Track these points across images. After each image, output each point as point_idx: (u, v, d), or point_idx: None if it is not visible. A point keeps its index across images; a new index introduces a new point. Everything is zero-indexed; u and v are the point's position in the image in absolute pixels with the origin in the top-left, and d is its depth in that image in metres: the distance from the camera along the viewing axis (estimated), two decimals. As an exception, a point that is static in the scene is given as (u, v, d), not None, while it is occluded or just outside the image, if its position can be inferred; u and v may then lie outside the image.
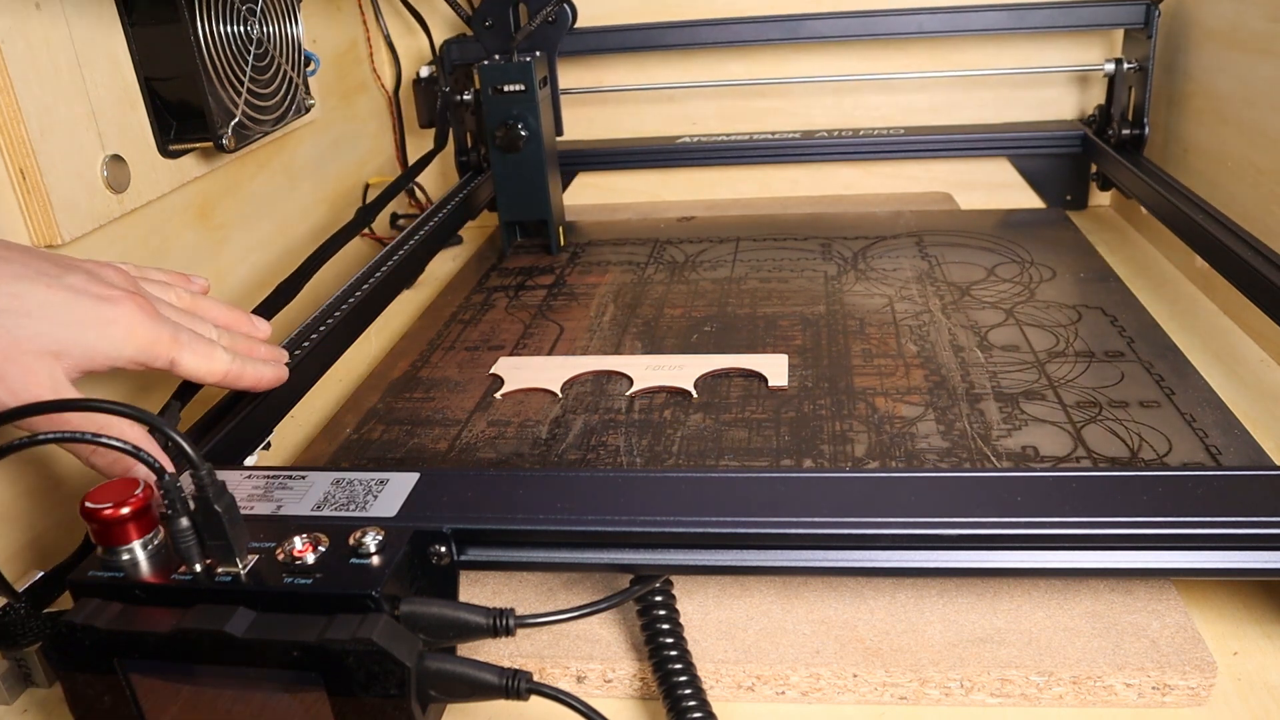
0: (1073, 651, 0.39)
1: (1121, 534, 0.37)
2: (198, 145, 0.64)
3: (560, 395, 0.60)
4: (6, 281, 0.40)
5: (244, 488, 0.42)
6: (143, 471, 0.39)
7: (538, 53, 0.80)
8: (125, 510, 0.36)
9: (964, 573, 0.39)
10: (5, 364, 0.39)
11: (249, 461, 0.51)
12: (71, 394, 0.41)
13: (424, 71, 0.94)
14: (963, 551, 0.38)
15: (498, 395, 0.60)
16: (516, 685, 0.34)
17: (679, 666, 0.39)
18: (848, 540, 0.38)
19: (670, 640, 0.39)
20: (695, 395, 0.58)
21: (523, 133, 0.77)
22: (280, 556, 0.36)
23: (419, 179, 0.92)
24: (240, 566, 0.36)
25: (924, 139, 0.92)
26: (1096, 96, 0.92)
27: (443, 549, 0.39)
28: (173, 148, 0.62)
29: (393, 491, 0.41)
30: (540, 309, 0.73)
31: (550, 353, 0.66)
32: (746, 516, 0.39)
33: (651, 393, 0.59)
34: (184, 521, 0.35)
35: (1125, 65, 0.85)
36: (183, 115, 0.62)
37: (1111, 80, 0.87)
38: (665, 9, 0.92)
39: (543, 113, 0.79)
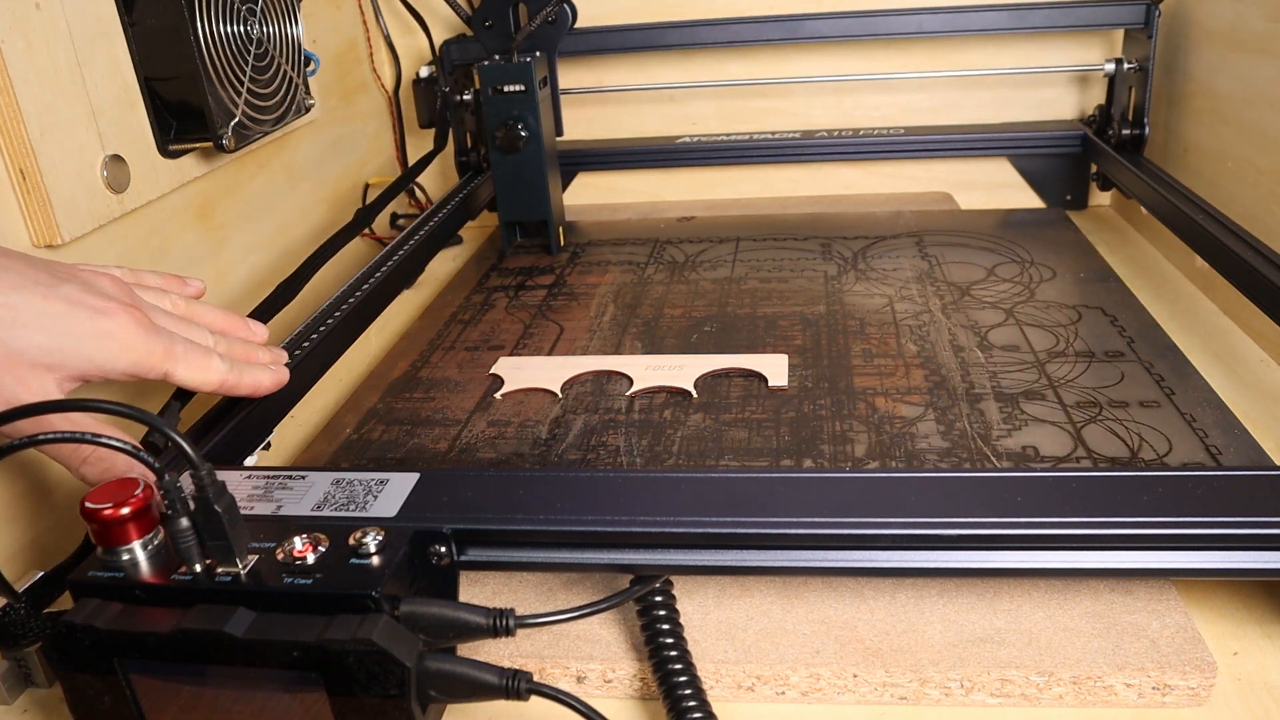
0: (1073, 651, 0.39)
1: (1121, 534, 0.37)
2: (198, 145, 0.64)
3: (560, 395, 0.60)
4: (2, 292, 0.40)
5: (244, 488, 0.42)
6: (141, 471, 0.39)
7: (538, 53, 0.80)
8: (125, 510, 0.36)
9: (964, 573, 0.39)
10: (0, 374, 0.39)
11: (249, 461, 0.51)
12: None
13: (424, 72, 0.94)
14: (963, 551, 0.38)
15: (498, 395, 0.60)
16: (516, 685, 0.34)
17: (679, 667, 0.39)
18: (848, 540, 0.38)
19: (670, 640, 0.39)
20: (695, 395, 0.58)
21: (523, 133, 0.77)
22: (280, 556, 0.36)
23: (419, 179, 0.92)
24: (240, 566, 0.36)
25: (924, 139, 0.92)
26: (1096, 96, 0.92)
27: (443, 549, 0.39)
28: (173, 148, 0.62)
29: (393, 491, 0.41)
30: (540, 309, 0.73)
31: (550, 353, 0.66)
32: (746, 516, 0.39)
33: (651, 393, 0.59)
34: (184, 522, 0.35)
35: (1125, 65, 0.85)
36: (183, 115, 0.62)
37: (1111, 80, 0.87)
38: (665, 9, 0.92)
39: (543, 113, 0.79)
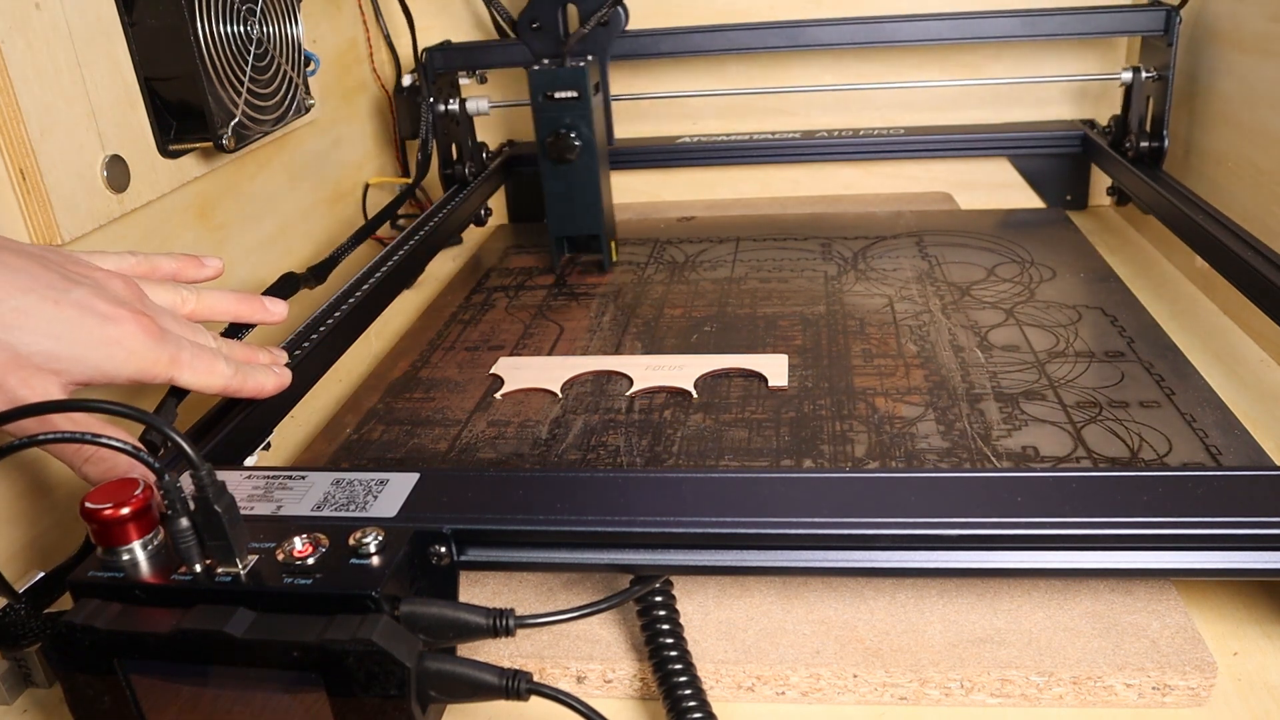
0: (1073, 651, 0.39)
1: (1121, 534, 0.37)
2: (198, 145, 0.64)
3: (560, 395, 0.60)
4: (13, 296, 0.40)
5: (244, 488, 0.42)
6: (141, 472, 0.39)
7: (589, 57, 0.75)
8: (125, 510, 0.36)
9: (964, 573, 0.39)
10: (5, 375, 0.40)
11: (249, 461, 0.51)
12: None
13: (406, 80, 0.90)
14: (963, 551, 0.38)
15: (498, 395, 0.60)
16: (516, 685, 0.34)
17: (679, 667, 0.39)
18: (848, 540, 0.38)
19: (670, 641, 0.39)
20: (695, 395, 0.58)
21: (576, 142, 0.73)
22: (280, 557, 0.36)
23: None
24: (240, 567, 0.36)
25: (924, 139, 0.92)
26: (1097, 96, 0.92)
27: (443, 549, 0.39)
28: (173, 148, 0.62)
29: (393, 492, 0.41)
30: (540, 309, 0.73)
31: (550, 353, 0.66)
32: (746, 516, 0.39)
33: (651, 393, 0.59)
34: (184, 522, 0.35)
35: (1144, 74, 0.81)
36: (183, 115, 0.62)
37: (1128, 90, 0.83)
38: (667, 15, 0.92)
39: (595, 121, 0.74)
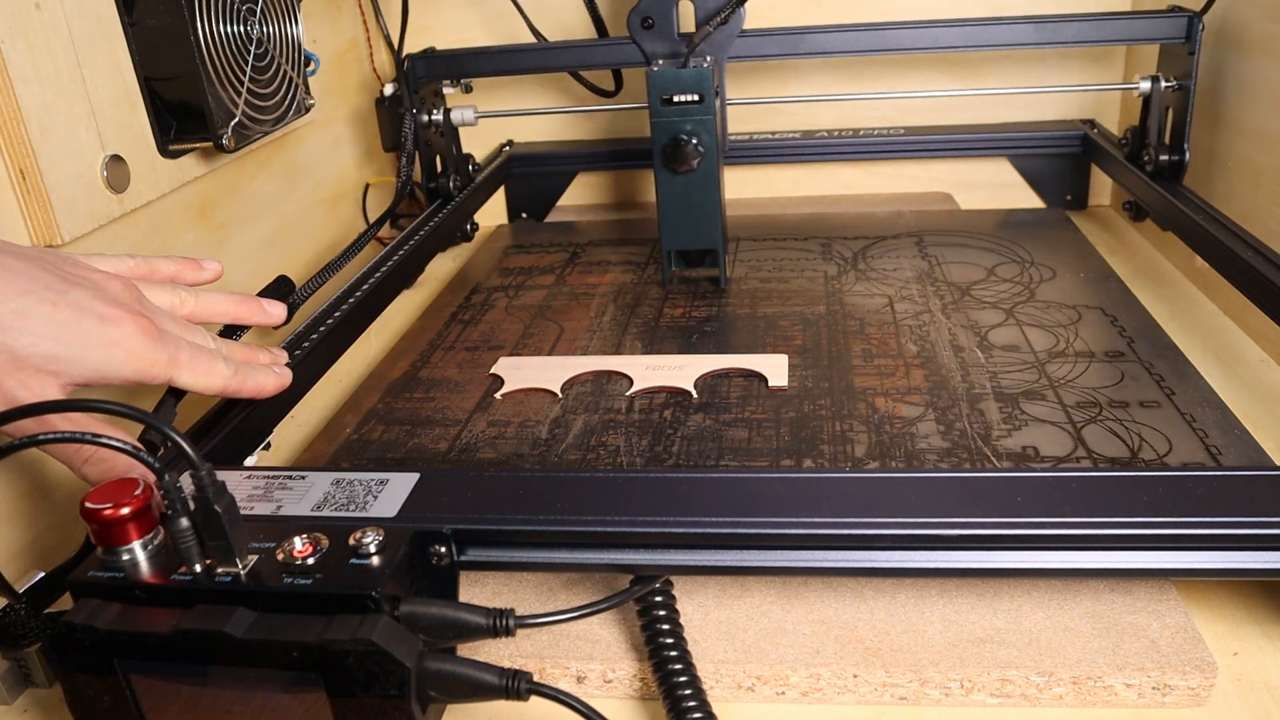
0: (1073, 651, 0.39)
1: (1121, 534, 0.37)
2: (198, 145, 0.64)
3: (560, 395, 0.60)
4: (10, 297, 0.40)
5: (244, 488, 0.42)
6: (141, 472, 0.39)
7: (710, 58, 0.70)
8: (125, 510, 0.36)
9: (964, 573, 0.39)
10: (4, 376, 0.40)
11: (249, 461, 0.51)
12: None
13: (388, 89, 0.86)
14: (963, 551, 0.38)
15: (498, 395, 0.60)
16: (516, 685, 0.34)
17: (679, 667, 0.39)
18: (848, 540, 0.38)
19: (670, 641, 0.39)
20: (695, 395, 0.58)
21: (699, 149, 0.68)
22: (280, 557, 0.36)
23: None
24: (240, 567, 0.36)
25: (924, 139, 0.92)
26: (1097, 97, 0.92)
27: (443, 549, 0.39)
28: (173, 148, 0.62)
29: (393, 492, 0.41)
30: (540, 309, 0.73)
31: (550, 353, 0.66)
32: (746, 516, 0.39)
33: (651, 393, 0.59)
34: (184, 522, 0.35)
35: (1163, 84, 0.77)
36: (183, 115, 0.62)
37: (1146, 100, 0.79)
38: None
39: (716, 127, 0.70)
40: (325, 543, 0.37)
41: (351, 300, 0.65)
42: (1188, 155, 0.76)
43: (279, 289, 0.62)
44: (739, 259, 0.80)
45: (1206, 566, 0.38)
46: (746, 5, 0.73)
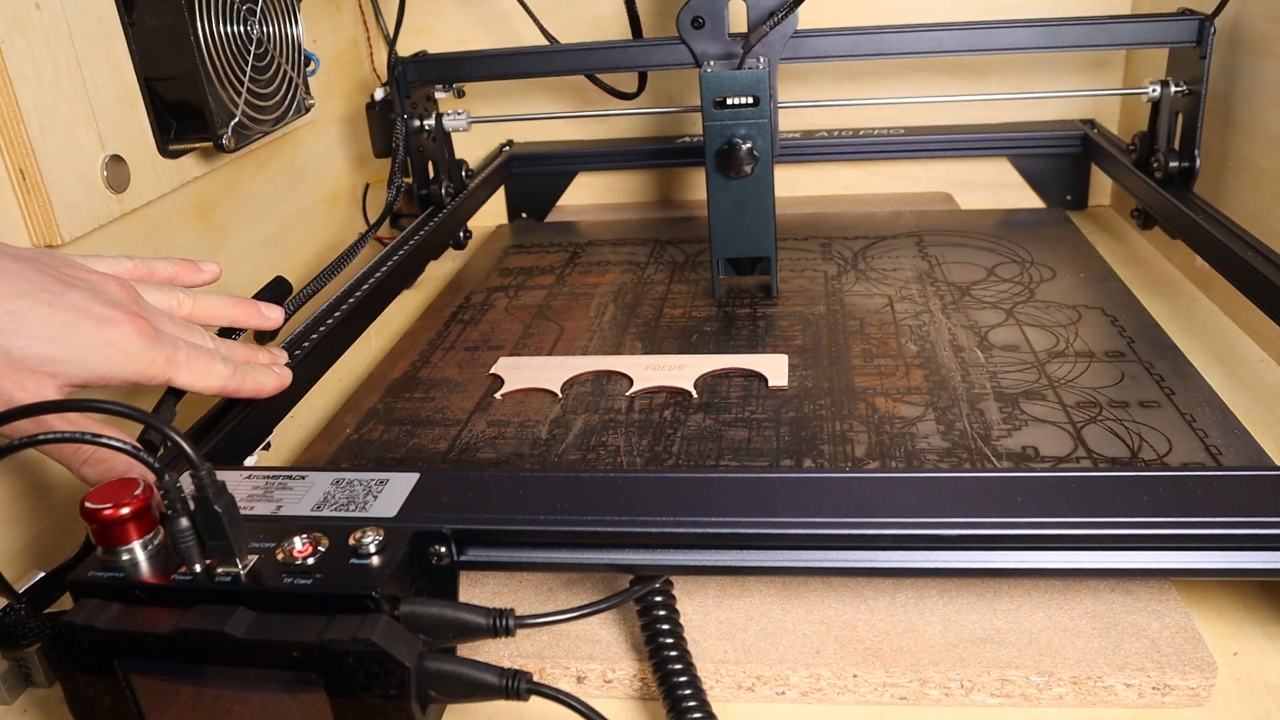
0: (1073, 651, 0.39)
1: (1121, 534, 0.37)
2: (198, 145, 0.64)
3: (560, 395, 0.60)
4: (7, 299, 0.40)
5: (244, 488, 0.42)
6: (141, 472, 0.39)
7: (763, 59, 0.68)
8: (125, 510, 0.36)
9: (964, 573, 0.39)
10: (1, 378, 0.40)
11: (249, 461, 0.51)
12: None
13: (378, 94, 0.83)
14: (963, 551, 0.38)
15: (498, 395, 0.60)
16: (516, 685, 0.34)
17: (679, 667, 0.39)
18: (848, 540, 0.38)
19: (670, 640, 0.39)
20: (695, 395, 0.58)
21: (754, 154, 0.66)
22: (280, 556, 0.36)
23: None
24: (240, 567, 0.36)
25: (924, 139, 0.92)
26: (1096, 97, 0.92)
27: (443, 549, 0.39)
28: (173, 148, 0.62)
29: (393, 491, 0.41)
30: (540, 309, 0.73)
31: (550, 353, 0.66)
32: (746, 516, 0.39)
33: (651, 393, 0.59)
34: (184, 522, 0.35)
35: (1173, 88, 0.75)
36: (183, 115, 0.62)
37: (1155, 105, 0.77)
38: (659, 25, 0.91)
39: (771, 131, 0.68)
40: (325, 543, 0.37)
41: (351, 300, 0.65)
42: (1198, 162, 0.74)
43: (275, 290, 0.62)
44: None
45: (1206, 566, 0.38)
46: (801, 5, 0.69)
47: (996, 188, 0.94)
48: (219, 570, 0.36)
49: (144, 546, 0.37)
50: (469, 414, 0.59)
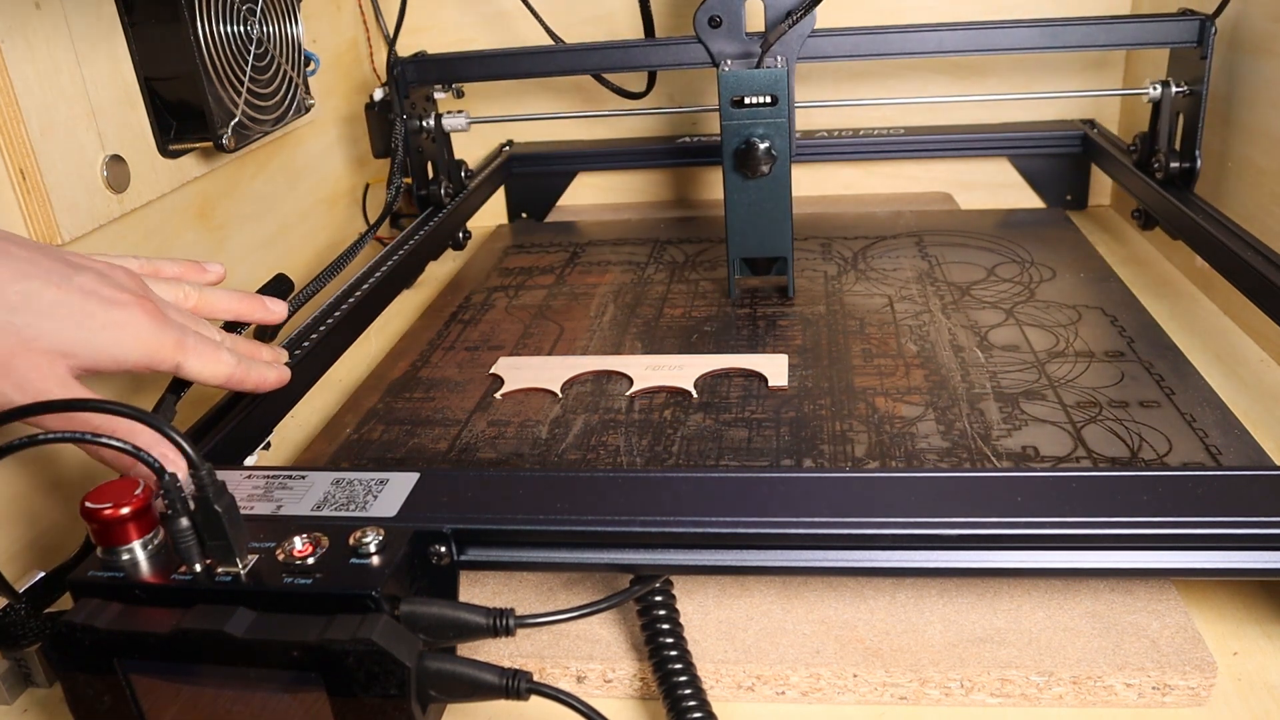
0: (1073, 651, 0.39)
1: (1121, 534, 0.37)
2: (198, 145, 0.64)
3: (560, 395, 0.60)
4: (16, 280, 0.40)
5: (244, 488, 0.42)
6: (143, 471, 0.39)
7: (780, 58, 0.68)
8: (125, 510, 0.36)
9: (964, 573, 0.39)
10: (13, 359, 0.40)
11: (249, 461, 0.51)
12: (79, 392, 0.41)
13: (377, 94, 0.83)
14: (963, 551, 0.38)
15: (498, 395, 0.60)
16: (516, 685, 0.34)
17: (679, 667, 0.39)
18: (848, 540, 0.38)
19: (670, 640, 0.39)
20: (695, 395, 0.58)
21: (772, 154, 0.66)
22: (280, 556, 0.36)
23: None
24: (240, 566, 0.36)
25: (924, 139, 0.92)
26: (1096, 97, 0.91)
27: (443, 549, 0.39)
28: (173, 148, 0.62)
29: (393, 491, 0.41)
30: (540, 309, 0.73)
31: (550, 353, 0.66)
32: (746, 516, 0.39)
33: (651, 393, 0.59)
34: (184, 521, 0.35)
35: (1174, 89, 0.75)
36: (183, 115, 0.62)
37: (1156, 106, 0.77)
38: (662, 25, 0.91)
39: (789, 130, 0.67)
40: (325, 542, 0.37)
41: (351, 300, 0.65)
42: (1199, 163, 0.74)
43: (278, 287, 0.62)
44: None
45: (1206, 566, 0.38)
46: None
47: (996, 188, 0.94)
48: (219, 570, 0.36)
49: (144, 546, 0.37)
50: (469, 414, 0.59)
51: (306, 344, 0.59)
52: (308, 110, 0.76)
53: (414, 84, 0.83)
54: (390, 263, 0.72)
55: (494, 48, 0.89)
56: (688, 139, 0.96)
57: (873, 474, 0.41)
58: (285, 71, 0.72)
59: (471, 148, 0.99)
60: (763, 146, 0.66)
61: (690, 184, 1.00)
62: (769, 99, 0.66)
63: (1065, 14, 0.85)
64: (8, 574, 0.39)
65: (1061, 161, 0.91)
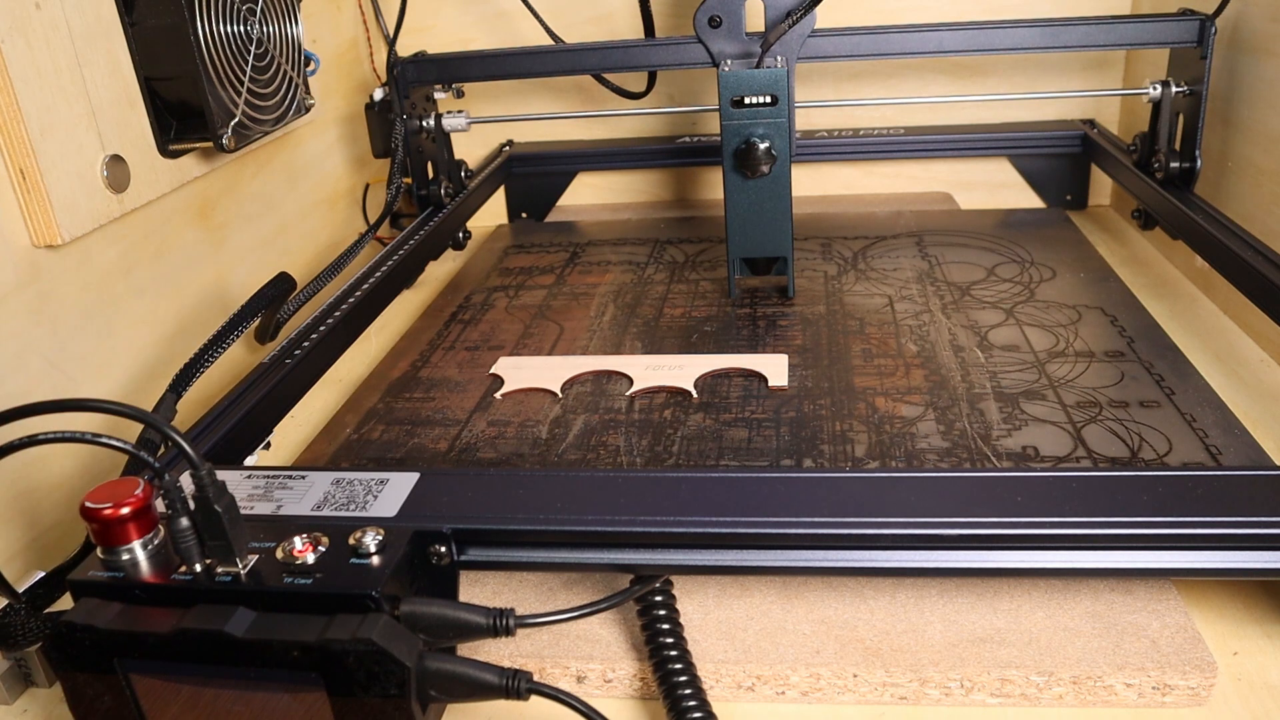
0: (1073, 651, 0.39)
1: (1121, 534, 0.37)
2: (198, 145, 0.64)
3: (560, 395, 0.60)
4: None
5: (244, 488, 0.42)
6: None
7: (780, 58, 0.68)
8: (125, 510, 0.36)
9: (964, 573, 0.39)
10: None
11: (249, 461, 0.51)
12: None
13: (377, 94, 0.83)
14: (963, 551, 0.38)
15: (498, 395, 0.60)
16: (516, 685, 0.34)
17: (679, 666, 0.39)
18: (848, 540, 0.38)
19: (670, 640, 0.39)
20: (695, 395, 0.58)
21: (772, 154, 0.66)
22: (280, 556, 0.36)
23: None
24: (240, 566, 0.36)
25: (924, 139, 0.92)
26: (1096, 96, 0.91)
27: (443, 549, 0.39)
28: (173, 148, 0.62)
29: (393, 491, 0.41)
30: (540, 309, 0.73)
31: (550, 353, 0.66)
32: (746, 516, 0.39)
33: (651, 393, 0.59)
34: (184, 521, 0.35)
35: (1174, 89, 0.75)
36: (183, 115, 0.62)
37: (1156, 106, 0.77)
38: (662, 25, 0.91)
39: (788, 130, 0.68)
40: (325, 542, 0.37)
41: (351, 300, 0.65)
42: (1199, 163, 0.74)
43: (279, 286, 0.62)
44: (739, 259, 0.80)
45: (1206, 566, 0.38)
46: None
47: (996, 188, 0.94)
48: (219, 570, 0.36)
49: (144, 546, 0.37)
50: (469, 414, 0.59)
51: (306, 344, 0.59)
52: (308, 110, 0.76)
53: (414, 84, 0.83)
54: (390, 263, 0.72)
55: (494, 48, 0.89)
56: (688, 139, 0.96)
57: (873, 474, 0.41)
58: (285, 71, 0.72)
59: (471, 148, 0.99)
60: (763, 146, 0.66)
61: (690, 184, 1.00)
62: (769, 99, 0.66)
63: (1065, 14, 0.85)
64: (8, 574, 0.39)
65: (1061, 161, 0.91)
